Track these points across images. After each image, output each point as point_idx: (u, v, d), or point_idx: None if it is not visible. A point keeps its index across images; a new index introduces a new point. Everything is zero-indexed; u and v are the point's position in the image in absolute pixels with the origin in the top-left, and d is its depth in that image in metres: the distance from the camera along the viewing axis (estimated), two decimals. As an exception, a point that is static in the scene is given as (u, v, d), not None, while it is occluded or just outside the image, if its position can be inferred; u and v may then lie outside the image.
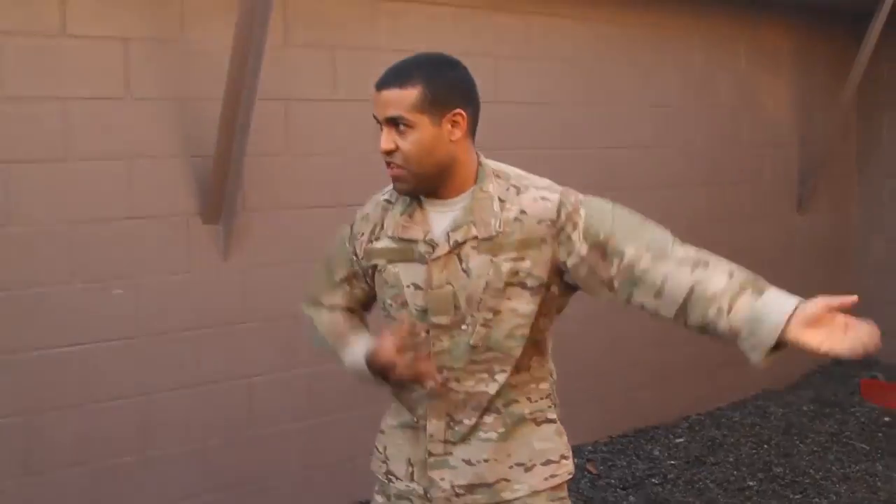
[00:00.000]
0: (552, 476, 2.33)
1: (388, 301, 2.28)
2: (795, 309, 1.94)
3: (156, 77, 3.98)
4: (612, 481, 5.06)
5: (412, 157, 2.14)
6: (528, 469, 2.30)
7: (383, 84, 2.16)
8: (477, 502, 2.29)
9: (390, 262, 2.26)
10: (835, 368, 7.11)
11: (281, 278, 4.35)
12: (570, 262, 2.18)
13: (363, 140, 4.46)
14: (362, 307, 2.51)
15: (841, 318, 1.92)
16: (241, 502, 4.34)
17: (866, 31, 6.09)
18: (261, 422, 4.39)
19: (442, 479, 2.28)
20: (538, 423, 2.33)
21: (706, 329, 2.07)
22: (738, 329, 2.00)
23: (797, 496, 4.81)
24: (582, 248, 2.16)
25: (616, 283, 2.15)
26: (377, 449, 2.44)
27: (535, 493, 2.30)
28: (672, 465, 5.30)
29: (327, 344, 2.49)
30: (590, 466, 5.23)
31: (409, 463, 2.33)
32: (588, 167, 5.29)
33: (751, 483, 4.99)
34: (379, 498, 2.44)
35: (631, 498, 4.83)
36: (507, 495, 2.29)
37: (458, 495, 2.28)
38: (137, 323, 4.00)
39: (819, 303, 1.93)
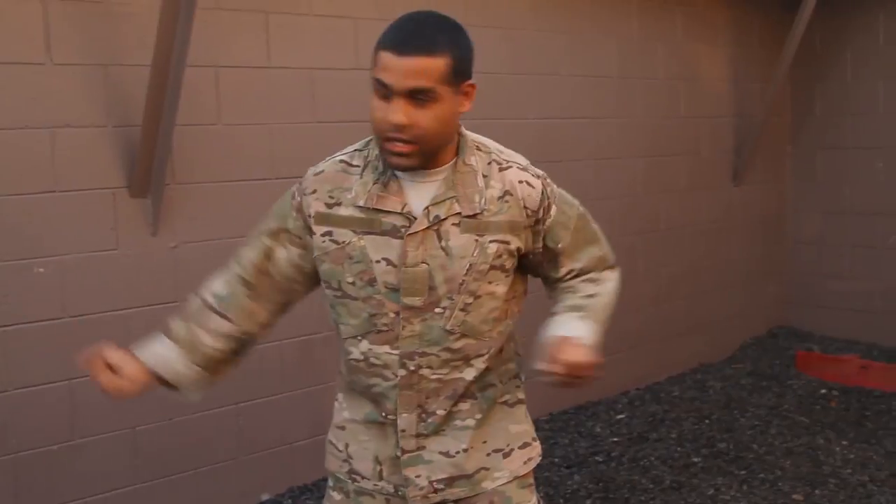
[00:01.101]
0: (529, 460, 2.22)
1: (350, 278, 2.04)
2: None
3: (79, 41, 3.74)
4: (556, 460, 4.96)
5: (429, 133, 1.92)
6: (506, 455, 2.17)
7: (408, 49, 1.86)
8: (456, 496, 2.14)
9: (355, 234, 2.03)
10: (769, 341, 7.14)
11: (213, 254, 4.13)
12: (529, 250, 2.14)
13: (298, 109, 4.27)
14: (270, 280, 2.15)
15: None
16: (174, 489, 4.15)
17: (800, 3, 6.06)
18: (193, 405, 4.17)
19: (418, 477, 2.12)
20: (511, 406, 2.20)
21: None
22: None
23: (742, 472, 4.76)
24: (539, 245, 2.14)
25: (549, 281, 2.27)
26: (335, 447, 2.25)
27: (515, 478, 2.18)
28: (615, 442, 5.22)
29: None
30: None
31: (377, 461, 2.15)
32: (524, 138, 5.13)
33: (695, 459, 4.93)
34: (336, 495, 2.26)
35: (576, 477, 4.73)
36: (487, 485, 2.15)
37: (436, 491, 2.13)
38: (62, 303, 3.77)
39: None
